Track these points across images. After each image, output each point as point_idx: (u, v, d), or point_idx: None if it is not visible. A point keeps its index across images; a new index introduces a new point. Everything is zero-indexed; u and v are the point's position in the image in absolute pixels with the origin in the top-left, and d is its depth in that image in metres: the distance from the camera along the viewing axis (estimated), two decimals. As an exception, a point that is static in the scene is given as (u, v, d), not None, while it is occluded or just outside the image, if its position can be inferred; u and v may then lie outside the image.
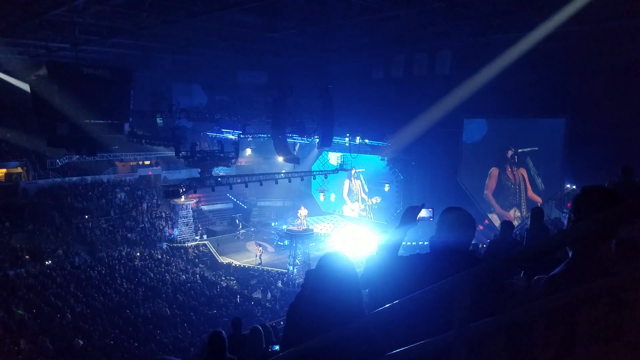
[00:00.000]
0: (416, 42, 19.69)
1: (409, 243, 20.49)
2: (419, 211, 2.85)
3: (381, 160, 29.19)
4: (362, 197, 33.11)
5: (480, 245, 13.59)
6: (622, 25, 15.16)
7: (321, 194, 34.67)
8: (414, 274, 2.41)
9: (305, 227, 27.42)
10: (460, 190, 25.53)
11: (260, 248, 29.89)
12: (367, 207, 32.77)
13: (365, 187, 32.75)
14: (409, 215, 2.80)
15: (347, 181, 33.42)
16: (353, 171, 31.90)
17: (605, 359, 1.67)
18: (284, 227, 31.02)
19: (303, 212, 28.43)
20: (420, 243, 20.47)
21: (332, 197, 34.58)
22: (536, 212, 6.44)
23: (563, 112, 21.24)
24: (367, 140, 27.58)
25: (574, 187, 20.97)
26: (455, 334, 1.80)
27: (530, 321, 1.79)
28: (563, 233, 2.28)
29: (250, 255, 30.02)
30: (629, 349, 1.65)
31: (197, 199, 34.45)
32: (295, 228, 27.52)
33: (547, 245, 1.71)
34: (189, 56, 23.40)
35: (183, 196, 30.57)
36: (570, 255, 1.94)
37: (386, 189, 29.92)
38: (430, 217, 3.01)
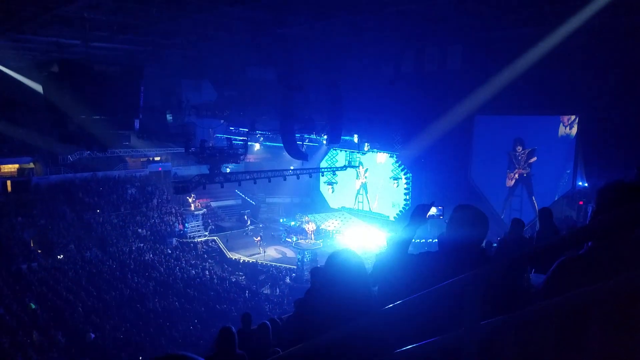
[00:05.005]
0: (427, 37, 19.48)
1: (417, 240, 20.40)
2: (429, 209, 2.83)
3: (390, 157, 29.10)
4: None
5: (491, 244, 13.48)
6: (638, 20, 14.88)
7: (329, 187, 34.30)
8: (424, 271, 2.39)
9: (313, 242, 27.34)
10: (472, 188, 25.22)
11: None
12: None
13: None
14: (418, 213, 2.78)
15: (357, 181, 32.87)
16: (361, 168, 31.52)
17: (618, 355, 1.64)
18: (292, 223, 30.99)
19: (311, 226, 28.07)
20: (429, 241, 20.38)
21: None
22: (545, 213, 6.23)
23: (576, 109, 20.98)
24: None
25: (586, 184, 20.71)
26: (465, 332, 1.79)
27: (542, 319, 1.76)
28: (586, 228, 2.23)
29: (260, 252, 30.07)
30: None
31: (206, 204, 34.78)
32: (303, 242, 27.49)
33: (568, 241, 1.68)
34: (199, 52, 23.42)
35: (193, 204, 31.31)
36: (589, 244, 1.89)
37: (395, 185, 29.76)
38: (440, 215, 3.00)
